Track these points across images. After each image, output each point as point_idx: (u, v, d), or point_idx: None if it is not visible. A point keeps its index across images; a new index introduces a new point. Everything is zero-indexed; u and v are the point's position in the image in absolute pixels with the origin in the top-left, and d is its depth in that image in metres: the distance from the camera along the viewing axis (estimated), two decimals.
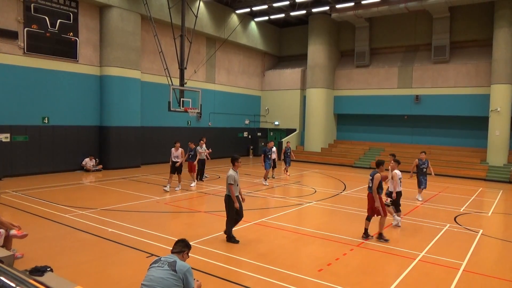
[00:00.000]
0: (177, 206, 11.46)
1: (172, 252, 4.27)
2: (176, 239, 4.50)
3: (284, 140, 26.79)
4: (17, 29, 15.56)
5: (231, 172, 7.94)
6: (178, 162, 13.67)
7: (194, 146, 15.32)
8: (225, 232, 8.15)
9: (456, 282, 6.24)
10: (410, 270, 6.73)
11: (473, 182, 18.46)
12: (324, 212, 11.47)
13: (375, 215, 8.43)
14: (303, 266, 6.83)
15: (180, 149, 13.86)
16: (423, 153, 13.62)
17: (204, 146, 15.70)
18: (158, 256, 4.45)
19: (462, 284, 6.21)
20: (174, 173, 13.77)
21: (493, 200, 14.26)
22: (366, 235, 8.47)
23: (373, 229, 8.77)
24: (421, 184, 13.26)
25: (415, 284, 6.16)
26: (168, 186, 13.67)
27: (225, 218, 8.15)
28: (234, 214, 8.02)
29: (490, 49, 21.13)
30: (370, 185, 8.38)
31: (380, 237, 8.39)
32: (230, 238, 8.00)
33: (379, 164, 8.45)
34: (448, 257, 7.43)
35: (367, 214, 8.58)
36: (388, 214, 9.11)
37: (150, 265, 4.12)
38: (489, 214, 11.76)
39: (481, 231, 9.51)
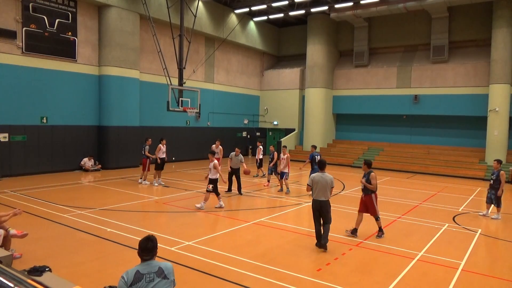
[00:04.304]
0: (176, 206, 11.45)
1: (145, 260, 3.53)
2: (145, 240, 3.57)
3: (284, 140, 26.78)
4: (15, 29, 15.53)
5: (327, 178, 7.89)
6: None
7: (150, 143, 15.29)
8: (326, 241, 7.58)
9: (455, 282, 6.26)
10: (408, 269, 6.74)
11: (471, 182, 18.48)
12: None
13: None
14: (302, 265, 6.83)
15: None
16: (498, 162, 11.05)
17: (240, 154, 13.38)
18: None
19: (461, 283, 6.23)
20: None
21: None
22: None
23: (372, 229, 8.79)
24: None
25: (414, 283, 6.16)
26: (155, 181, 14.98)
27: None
28: None
29: (488, 49, 21.16)
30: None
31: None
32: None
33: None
34: (447, 257, 7.44)
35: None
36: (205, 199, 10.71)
37: (134, 285, 3.38)
38: (488, 214, 11.76)
39: (479, 230, 9.53)
